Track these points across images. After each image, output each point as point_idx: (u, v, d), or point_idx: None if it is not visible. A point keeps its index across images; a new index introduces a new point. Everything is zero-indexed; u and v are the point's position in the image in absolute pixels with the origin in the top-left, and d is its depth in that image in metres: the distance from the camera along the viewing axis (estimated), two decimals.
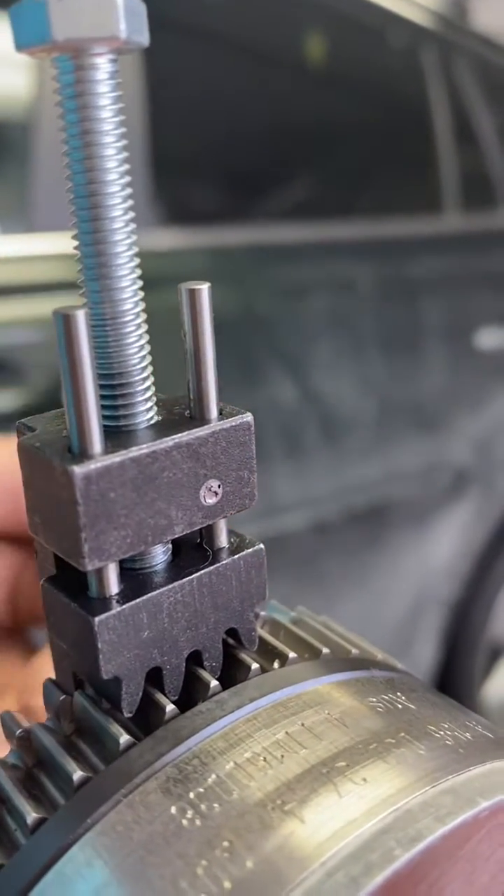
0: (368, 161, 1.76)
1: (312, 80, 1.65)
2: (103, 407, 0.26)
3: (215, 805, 0.23)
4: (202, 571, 0.27)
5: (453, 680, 1.84)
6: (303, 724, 0.26)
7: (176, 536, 0.26)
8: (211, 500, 0.27)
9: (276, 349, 1.33)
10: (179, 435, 0.25)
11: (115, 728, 0.26)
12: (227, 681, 0.28)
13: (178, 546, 0.29)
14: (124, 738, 0.26)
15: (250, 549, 0.28)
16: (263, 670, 0.29)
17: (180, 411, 0.27)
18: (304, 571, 1.44)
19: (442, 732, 0.26)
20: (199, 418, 0.27)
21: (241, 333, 1.29)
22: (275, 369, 1.32)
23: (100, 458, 0.24)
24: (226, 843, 0.22)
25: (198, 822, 0.23)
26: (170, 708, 0.26)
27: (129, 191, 0.25)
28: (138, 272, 0.25)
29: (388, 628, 1.63)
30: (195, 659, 0.28)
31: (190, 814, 0.23)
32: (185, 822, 0.23)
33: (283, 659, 0.29)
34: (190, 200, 1.44)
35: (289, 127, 1.58)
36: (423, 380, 1.58)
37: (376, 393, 1.49)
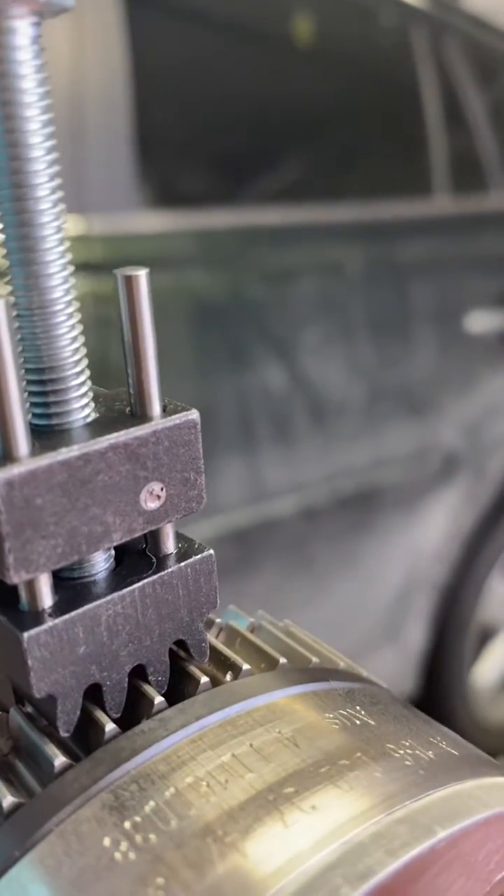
0: (358, 143, 1.73)
1: (302, 60, 1.62)
2: (33, 405, 0.24)
3: (151, 836, 0.21)
4: (145, 581, 0.25)
5: (443, 663, 1.83)
6: (251, 745, 0.24)
7: (114, 544, 0.24)
8: (153, 505, 0.25)
9: (264, 333, 1.31)
10: (116, 434, 0.23)
11: (51, 749, 0.24)
12: (176, 696, 0.26)
13: (123, 553, 0.27)
14: (59, 761, 0.24)
15: (199, 556, 0.26)
16: (215, 683, 0.27)
17: (120, 408, 0.25)
18: (294, 556, 1.43)
19: (402, 751, 0.25)
20: (140, 416, 0.25)
21: (229, 317, 1.27)
22: (263, 353, 1.30)
23: (25, 462, 0.22)
24: (160, 880, 0.20)
25: (132, 855, 0.21)
26: (109, 727, 0.24)
27: (56, 168, 0.22)
28: (68, 257, 0.23)
29: (378, 612, 1.61)
30: (141, 673, 0.26)
31: (124, 846, 0.21)
32: (118, 854, 0.21)
33: (237, 671, 0.27)
34: (178, 183, 1.41)
35: (278, 108, 1.55)
36: (412, 363, 1.56)
37: (366, 377, 1.47)
